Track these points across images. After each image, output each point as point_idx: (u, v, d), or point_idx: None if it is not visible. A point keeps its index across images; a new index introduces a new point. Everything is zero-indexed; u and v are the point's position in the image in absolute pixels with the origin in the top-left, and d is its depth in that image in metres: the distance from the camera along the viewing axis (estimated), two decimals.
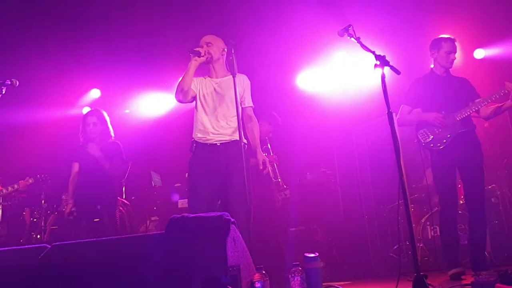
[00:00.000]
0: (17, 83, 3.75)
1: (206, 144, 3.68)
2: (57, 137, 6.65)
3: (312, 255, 2.57)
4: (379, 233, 6.00)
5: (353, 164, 6.34)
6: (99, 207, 4.55)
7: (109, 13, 5.83)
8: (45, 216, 6.49)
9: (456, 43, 4.29)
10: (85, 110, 7.52)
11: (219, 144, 3.66)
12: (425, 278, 2.88)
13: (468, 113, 4.12)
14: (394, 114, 4.14)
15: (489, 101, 4.09)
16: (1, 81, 3.65)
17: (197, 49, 3.71)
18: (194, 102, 3.84)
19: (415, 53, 5.57)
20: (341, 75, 6.72)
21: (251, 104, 3.83)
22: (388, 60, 3.00)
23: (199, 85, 3.82)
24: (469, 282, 3.16)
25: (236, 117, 3.66)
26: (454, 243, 4.08)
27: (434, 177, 4.25)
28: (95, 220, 4.55)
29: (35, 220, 6.55)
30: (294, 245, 5.49)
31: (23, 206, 6.67)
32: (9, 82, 3.69)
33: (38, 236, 6.38)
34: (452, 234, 4.10)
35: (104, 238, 2.46)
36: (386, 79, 3.03)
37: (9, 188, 4.83)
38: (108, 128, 4.89)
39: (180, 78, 3.72)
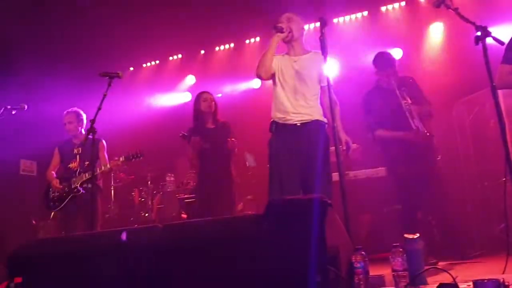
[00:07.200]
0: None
1: (286, 124, 3.60)
2: None
3: (412, 236, 2.52)
4: (483, 212, 5.71)
5: (454, 139, 6.06)
6: None
7: None
8: (151, 196, 6.99)
9: None
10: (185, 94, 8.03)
11: (299, 124, 3.57)
12: None
13: None
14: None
15: None
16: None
17: (279, 25, 3.63)
18: (273, 80, 3.75)
19: None
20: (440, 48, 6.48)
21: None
22: (490, 30, 2.80)
23: (278, 62, 3.73)
24: None
25: (315, 96, 3.64)
26: None
27: None
28: None
29: (142, 200, 7.06)
30: (391, 224, 5.38)
31: (132, 187, 7.23)
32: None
33: (146, 214, 6.88)
34: None
35: (209, 219, 2.62)
36: None
37: (103, 168, 4.93)
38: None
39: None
